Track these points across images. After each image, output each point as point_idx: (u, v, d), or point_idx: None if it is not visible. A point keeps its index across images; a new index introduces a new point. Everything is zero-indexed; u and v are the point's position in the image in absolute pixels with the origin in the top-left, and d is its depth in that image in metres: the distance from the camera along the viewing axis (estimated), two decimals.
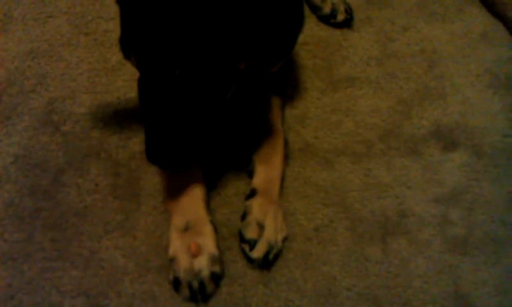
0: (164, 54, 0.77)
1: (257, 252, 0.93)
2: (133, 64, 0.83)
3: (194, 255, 0.90)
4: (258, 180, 0.99)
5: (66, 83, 1.12)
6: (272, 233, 0.94)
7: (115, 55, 1.16)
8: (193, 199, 0.95)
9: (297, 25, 0.98)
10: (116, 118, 1.08)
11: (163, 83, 0.79)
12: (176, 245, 0.92)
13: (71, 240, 0.96)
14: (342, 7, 1.27)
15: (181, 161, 0.89)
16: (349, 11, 1.27)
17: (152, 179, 1.02)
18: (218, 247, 0.93)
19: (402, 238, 1.00)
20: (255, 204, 0.95)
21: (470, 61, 1.25)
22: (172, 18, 0.76)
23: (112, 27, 1.20)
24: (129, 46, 0.82)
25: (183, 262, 0.90)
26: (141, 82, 0.84)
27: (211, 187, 1.01)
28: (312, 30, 1.27)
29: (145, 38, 0.78)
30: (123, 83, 1.12)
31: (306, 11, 1.28)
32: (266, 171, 1.00)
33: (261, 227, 0.94)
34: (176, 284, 0.90)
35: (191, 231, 0.92)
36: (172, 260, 0.91)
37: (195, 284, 0.89)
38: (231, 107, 1.02)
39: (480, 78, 1.22)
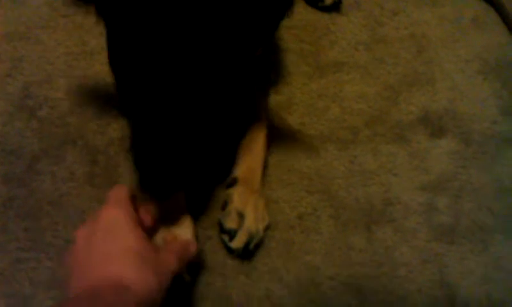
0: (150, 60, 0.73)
1: (237, 243, 0.90)
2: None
3: None
4: (239, 169, 0.96)
5: (43, 67, 1.08)
6: (253, 222, 0.91)
7: (94, 39, 1.12)
8: None
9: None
10: (94, 104, 1.05)
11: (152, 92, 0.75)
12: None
13: (45, 229, 0.93)
14: None
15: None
16: None
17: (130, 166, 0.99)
18: (197, 237, 0.90)
19: (388, 227, 0.98)
20: (235, 194, 0.92)
21: (459, 47, 1.22)
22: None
23: (92, 9, 1.15)
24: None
25: None
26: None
27: (191, 175, 0.98)
28: (299, 14, 1.24)
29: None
30: (101, 67, 1.08)
31: None
32: (247, 159, 0.97)
33: (241, 216, 0.91)
34: None
35: (169, 222, 0.89)
36: None
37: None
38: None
39: (470, 64, 1.20)
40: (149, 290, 0.67)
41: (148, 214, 0.81)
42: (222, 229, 0.92)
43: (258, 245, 0.93)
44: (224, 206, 0.93)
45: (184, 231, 0.88)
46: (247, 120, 1.01)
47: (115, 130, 1.02)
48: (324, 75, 1.15)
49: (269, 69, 1.12)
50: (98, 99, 1.05)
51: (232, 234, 0.91)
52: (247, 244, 0.91)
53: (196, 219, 0.93)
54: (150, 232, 0.81)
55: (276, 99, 1.11)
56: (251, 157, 0.97)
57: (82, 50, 1.11)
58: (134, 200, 0.80)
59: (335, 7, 1.25)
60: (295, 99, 1.11)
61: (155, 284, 0.68)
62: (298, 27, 1.22)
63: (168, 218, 0.88)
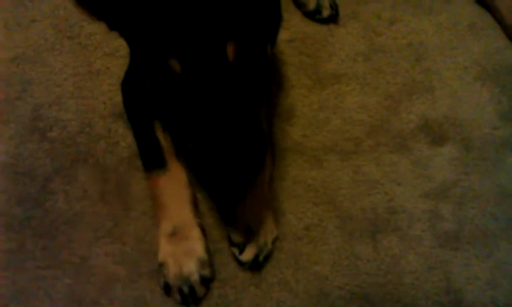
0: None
1: (247, 255, 0.93)
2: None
3: None
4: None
5: (52, 89, 1.11)
6: (261, 235, 0.94)
7: (99, 59, 1.15)
8: (180, 202, 0.95)
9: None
10: (103, 123, 1.07)
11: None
12: (165, 251, 0.92)
13: (62, 247, 0.96)
14: (326, 3, 1.25)
15: None
16: (334, 6, 1.26)
17: (140, 184, 1.01)
18: (207, 250, 0.93)
19: (393, 235, 1.00)
20: (244, 207, 0.95)
21: (457, 53, 1.24)
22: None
23: (96, 30, 1.18)
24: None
25: (172, 267, 0.90)
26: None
27: (201, 190, 1.01)
28: (297, 26, 1.26)
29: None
30: (108, 87, 1.11)
31: (291, 7, 1.27)
32: None
33: (250, 230, 0.94)
34: (166, 289, 0.91)
35: (179, 236, 0.92)
36: (161, 265, 0.91)
37: (185, 288, 0.90)
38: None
39: (468, 70, 1.21)
40: None
41: None
42: (232, 243, 0.95)
43: (268, 257, 0.96)
44: (233, 219, 0.95)
45: (194, 244, 0.91)
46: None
47: (124, 148, 1.05)
48: (324, 86, 1.17)
49: (269, 81, 1.14)
50: (106, 118, 1.08)
51: (242, 247, 0.94)
52: (256, 257, 0.93)
53: (206, 233, 0.96)
54: None
55: (277, 111, 1.13)
56: None
57: (89, 71, 1.14)
58: None
59: (333, 19, 1.27)
60: (296, 111, 1.14)
61: None
62: (297, 40, 1.24)
63: None
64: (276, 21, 0.99)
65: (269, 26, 0.93)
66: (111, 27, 0.85)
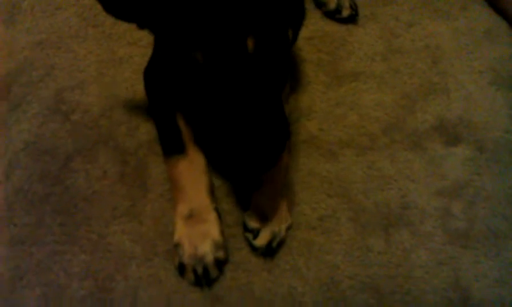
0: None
1: (260, 241, 0.95)
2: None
3: None
4: None
5: (75, 74, 1.14)
6: (276, 222, 0.96)
7: (122, 48, 1.17)
8: (197, 187, 0.97)
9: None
10: (124, 108, 1.10)
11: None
12: (181, 232, 0.94)
13: (79, 224, 0.98)
14: (347, 3, 1.28)
15: None
16: (354, 7, 1.28)
17: (158, 167, 1.03)
18: (222, 233, 0.95)
19: (405, 230, 1.02)
20: (260, 194, 0.97)
21: (473, 58, 1.26)
22: None
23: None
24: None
25: (187, 248, 0.92)
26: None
27: (217, 177, 1.03)
28: (317, 25, 1.28)
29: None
30: (130, 74, 1.14)
31: (311, 6, 1.30)
32: None
33: (265, 216, 0.96)
34: (181, 269, 0.93)
35: (196, 218, 0.94)
36: (177, 246, 0.93)
37: (199, 269, 0.92)
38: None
39: (484, 75, 1.23)
40: None
41: None
42: (246, 228, 0.97)
43: (281, 244, 0.97)
44: (249, 206, 0.98)
45: (210, 227, 0.93)
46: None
47: (143, 133, 1.07)
48: (342, 84, 1.19)
49: (289, 76, 1.16)
50: (127, 104, 1.10)
51: (256, 233, 0.96)
52: (270, 242, 0.95)
53: (221, 217, 0.98)
54: None
55: (296, 106, 1.15)
56: None
57: (112, 58, 1.17)
58: None
59: (352, 19, 1.29)
60: (314, 106, 1.16)
61: None
62: (316, 38, 1.26)
63: None
64: (299, 16, 1.01)
65: (291, 21, 0.96)
66: (141, 26, 0.90)
